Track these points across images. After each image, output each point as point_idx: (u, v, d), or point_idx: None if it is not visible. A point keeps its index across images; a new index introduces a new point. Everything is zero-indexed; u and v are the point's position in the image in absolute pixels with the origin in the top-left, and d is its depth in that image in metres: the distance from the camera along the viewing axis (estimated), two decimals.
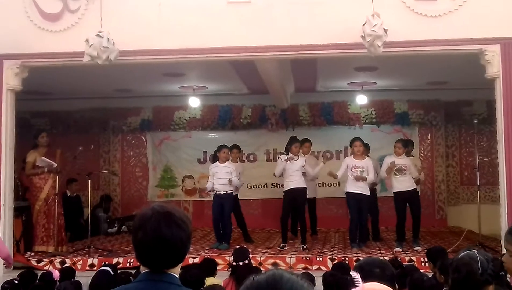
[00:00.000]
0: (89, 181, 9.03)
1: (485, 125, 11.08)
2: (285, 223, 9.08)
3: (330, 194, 11.59)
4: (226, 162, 9.24)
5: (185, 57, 7.52)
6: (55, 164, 8.80)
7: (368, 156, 9.36)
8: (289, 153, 9.03)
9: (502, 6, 7.01)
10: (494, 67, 7.05)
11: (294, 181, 8.92)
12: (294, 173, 8.91)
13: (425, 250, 8.18)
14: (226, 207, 9.11)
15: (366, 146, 9.77)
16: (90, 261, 8.01)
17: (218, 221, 9.18)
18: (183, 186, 12.53)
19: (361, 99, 11.30)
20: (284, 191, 9.09)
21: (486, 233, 8.93)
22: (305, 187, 9.05)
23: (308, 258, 7.93)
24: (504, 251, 2.92)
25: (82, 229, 10.02)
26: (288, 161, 8.89)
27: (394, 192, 8.93)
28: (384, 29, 6.58)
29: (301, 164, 8.97)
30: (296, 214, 9.14)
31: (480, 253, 2.91)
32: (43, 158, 8.78)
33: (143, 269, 2.29)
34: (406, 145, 9.14)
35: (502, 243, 7.00)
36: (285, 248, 8.72)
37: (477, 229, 8.73)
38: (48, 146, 9.08)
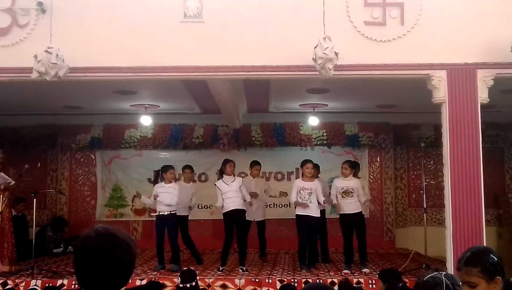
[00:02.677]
0: (35, 199, 8.76)
1: (432, 148, 11.35)
2: (229, 247, 8.99)
3: (281, 215, 11.62)
4: (171, 182, 9.12)
5: (137, 75, 7.43)
6: (13, 181, 8.57)
7: (318, 177, 9.42)
8: (224, 175, 8.99)
9: (449, 33, 7.21)
10: (441, 92, 7.23)
11: (234, 203, 8.85)
12: (233, 194, 8.85)
13: (373, 272, 8.30)
14: (170, 228, 8.95)
15: (317, 167, 9.86)
16: (33, 282, 7.76)
17: (162, 243, 8.97)
18: (132, 205, 12.33)
19: (313, 121, 11.41)
20: (223, 213, 8.94)
21: (432, 255, 9.10)
22: (245, 209, 9.01)
23: (257, 280, 7.88)
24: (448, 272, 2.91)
25: (27, 249, 9.72)
26: (224, 184, 8.87)
27: (339, 214, 9.00)
28: (335, 52, 6.66)
29: (238, 184, 8.94)
30: (237, 235, 9.01)
31: (447, 276, 2.81)
32: (1, 174, 8.52)
33: None
34: (353, 167, 9.17)
35: (448, 265, 7.16)
36: (223, 271, 8.63)
37: (424, 251, 8.88)
38: (3, 163, 8.81)
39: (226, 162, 9.12)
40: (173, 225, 8.99)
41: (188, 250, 9.97)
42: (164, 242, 9.02)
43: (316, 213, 8.78)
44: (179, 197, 9.11)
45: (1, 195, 8.52)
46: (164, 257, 9.06)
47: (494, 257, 2.72)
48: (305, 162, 9.03)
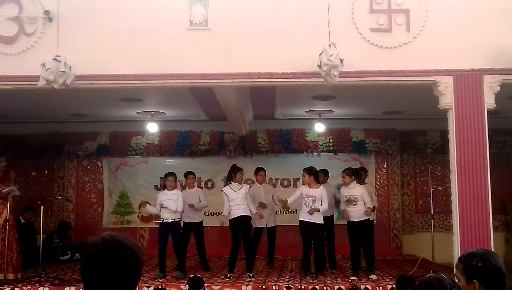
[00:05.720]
0: (42, 207, 8.78)
1: (439, 154, 11.33)
2: (236, 253, 8.94)
3: (287, 221, 11.58)
4: (174, 189, 9.14)
5: (143, 82, 7.45)
6: (19, 192, 8.62)
7: (326, 182, 9.37)
8: (232, 182, 8.93)
9: (455, 39, 7.20)
10: (447, 98, 7.22)
11: (242, 209, 8.79)
12: (240, 201, 8.80)
13: (380, 279, 8.27)
14: (174, 236, 8.94)
15: (325, 173, 9.85)
16: None
17: (164, 250, 8.93)
18: (139, 212, 12.33)
19: (319, 127, 11.41)
20: (230, 220, 8.88)
21: (439, 261, 9.04)
22: (250, 215, 8.94)
23: (264, 287, 7.87)
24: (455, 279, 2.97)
25: (34, 257, 9.74)
26: (232, 190, 8.82)
27: (347, 221, 8.95)
28: (340, 59, 6.68)
29: (245, 192, 8.90)
30: (243, 242, 8.92)
31: (445, 275, 3.02)
32: (13, 187, 8.57)
33: None
34: (352, 174, 8.92)
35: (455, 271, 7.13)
36: (231, 278, 8.59)
37: (431, 257, 8.84)
38: (5, 170, 8.85)
39: (237, 170, 9.03)
40: (177, 232, 8.99)
41: (196, 257, 9.96)
42: (167, 249, 9.01)
43: (319, 220, 8.69)
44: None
45: (7, 203, 8.54)
46: (166, 265, 9.05)
47: (481, 263, 2.82)
48: (302, 170, 9.01)
